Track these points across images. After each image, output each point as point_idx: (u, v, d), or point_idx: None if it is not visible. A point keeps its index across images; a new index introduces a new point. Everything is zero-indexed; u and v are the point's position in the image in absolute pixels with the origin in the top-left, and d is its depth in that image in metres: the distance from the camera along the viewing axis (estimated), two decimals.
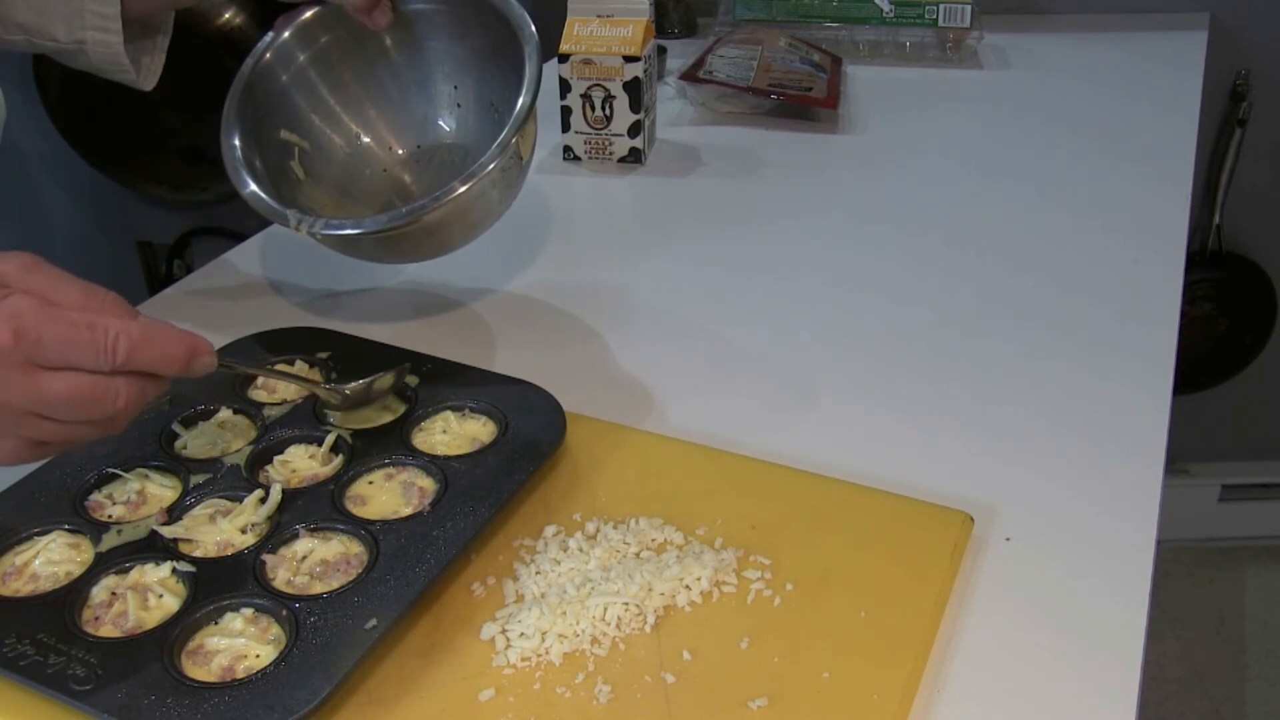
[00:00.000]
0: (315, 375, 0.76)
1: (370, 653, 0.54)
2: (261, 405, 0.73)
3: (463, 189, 0.75)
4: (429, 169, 0.91)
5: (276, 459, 0.68)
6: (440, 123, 0.91)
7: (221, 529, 0.61)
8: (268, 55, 0.87)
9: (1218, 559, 2.04)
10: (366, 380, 0.70)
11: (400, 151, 0.92)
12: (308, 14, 0.87)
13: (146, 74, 0.84)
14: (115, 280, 1.98)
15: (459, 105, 0.90)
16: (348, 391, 0.70)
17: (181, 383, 0.75)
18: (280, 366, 0.77)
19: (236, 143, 0.82)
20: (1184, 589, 1.99)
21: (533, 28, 0.82)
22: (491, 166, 0.76)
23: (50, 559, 0.60)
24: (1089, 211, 1.04)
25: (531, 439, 0.68)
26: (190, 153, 1.73)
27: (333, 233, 0.77)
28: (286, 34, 0.87)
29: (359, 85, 0.91)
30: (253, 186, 0.80)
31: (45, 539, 0.61)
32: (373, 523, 0.62)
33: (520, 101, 0.79)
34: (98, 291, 0.55)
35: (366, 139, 0.91)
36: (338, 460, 0.67)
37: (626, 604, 0.57)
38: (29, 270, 0.54)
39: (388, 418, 0.71)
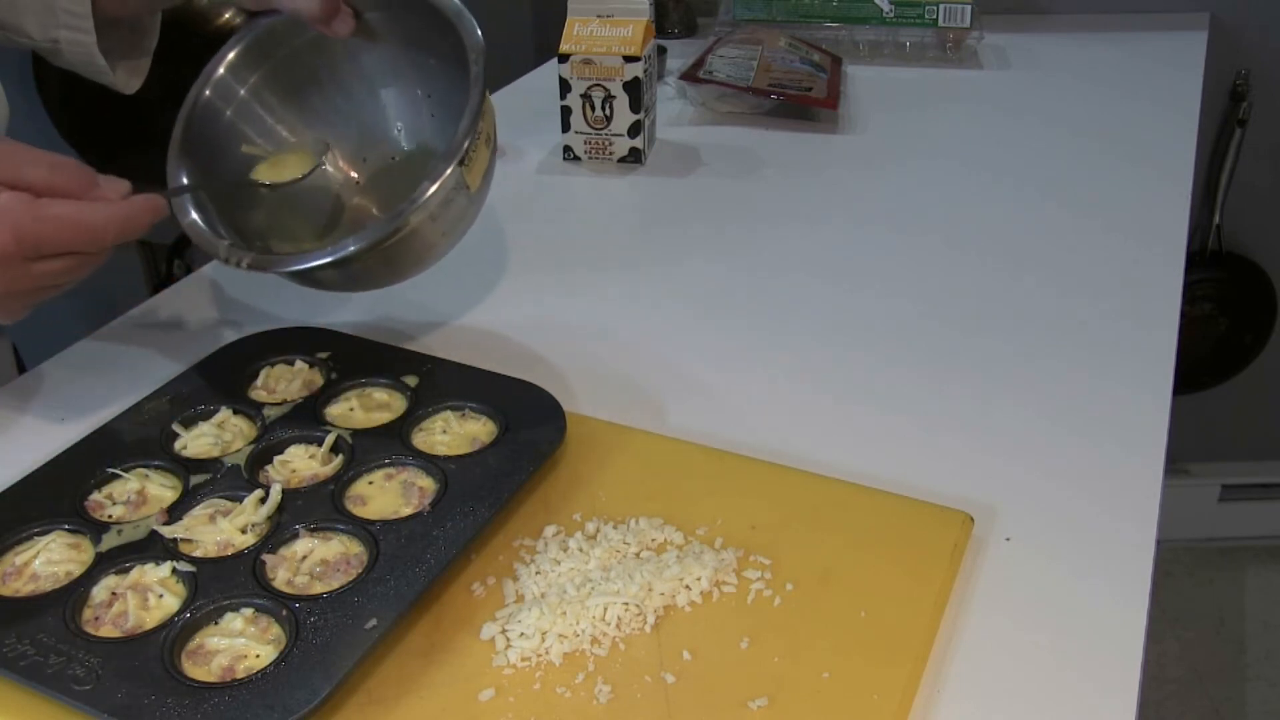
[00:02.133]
0: (316, 376, 0.76)
1: (370, 653, 0.54)
2: (261, 405, 0.73)
3: (394, 227, 0.71)
4: (399, 184, 0.85)
5: (276, 459, 0.68)
6: (404, 139, 0.87)
7: (221, 529, 0.61)
8: (207, 91, 0.83)
9: (1218, 559, 2.04)
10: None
11: (362, 174, 0.88)
12: (250, 36, 0.83)
13: (128, 76, 0.83)
14: (115, 280, 1.97)
15: (432, 115, 0.86)
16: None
17: (182, 383, 0.75)
18: (280, 364, 0.77)
19: (183, 178, 0.80)
20: (1184, 589, 1.99)
21: (481, 40, 0.77)
22: (426, 199, 0.71)
23: (50, 559, 0.60)
24: (1089, 211, 1.04)
25: (531, 439, 0.68)
26: None
27: (260, 269, 0.73)
28: (221, 70, 0.83)
29: (309, 108, 0.86)
30: (193, 215, 0.77)
31: (45, 539, 0.61)
32: (373, 523, 0.62)
33: (462, 122, 0.73)
34: (63, 164, 0.63)
35: (324, 164, 0.87)
36: (338, 460, 0.67)
37: (626, 604, 0.57)
38: (3, 155, 0.61)
39: (388, 417, 0.71)
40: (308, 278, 0.75)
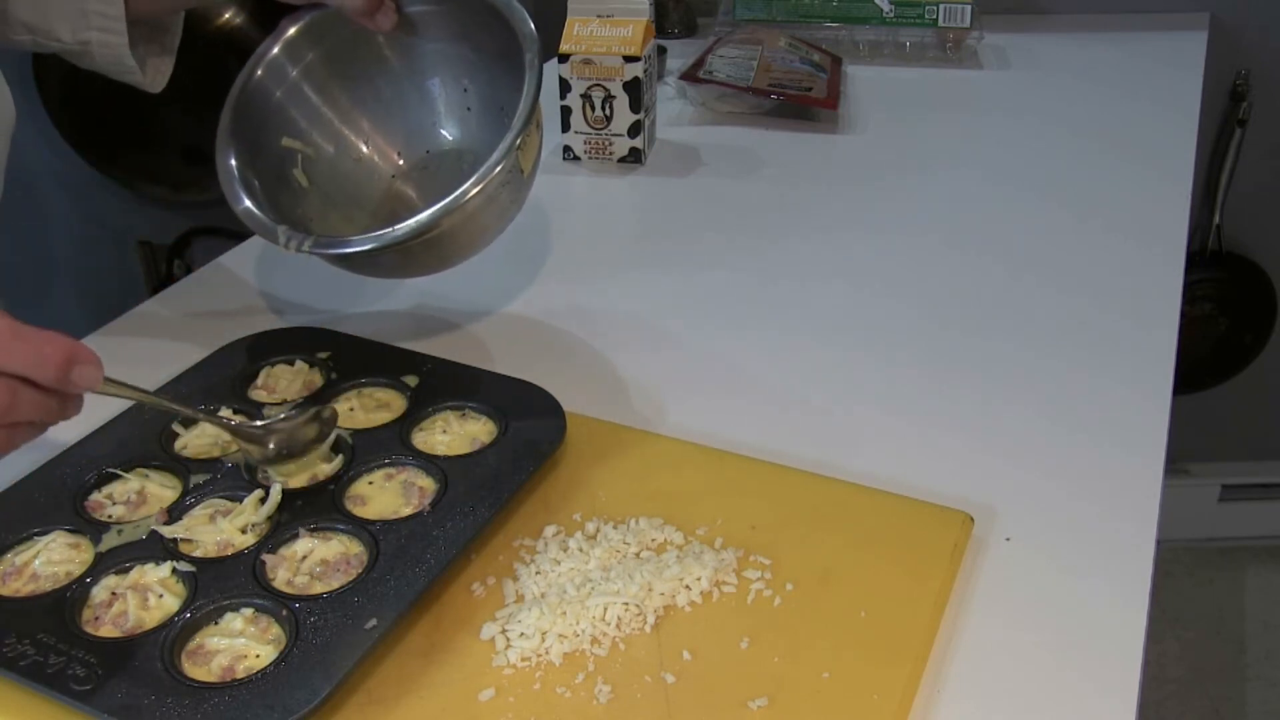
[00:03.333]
0: (316, 376, 0.76)
1: (370, 653, 0.54)
2: (261, 405, 0.73)
3: (454, 207, 0.73)
4: (436, 176, 0.89)
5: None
6: (443, 130, 0.89)
7: (221, 529, 0.61)
8: (259, 71, 0.84)
9: (1218, 559, 2.04)
10: (289, 422, 0.66)
11: (401, 162, 0.90)
12: (302, 21, 0.85)
13: (155, 75, 0.84)
14: (115, 280, 1.97)
15: (469, 109, 0.88)
16: (271, 446, 0.65)
17: (182, 383, 0.75)
18: (280, 364, 0.77)
19: (233, 162, 0.80)
20: (1184, 589, 1.99)
21: (533, 30, 0.80)
22: (485, 182, 0.73)
23: (50, 559, 0.60)
24: (1089, 211, 1.04)
25: (531, 439, 0.68)
26: (190, 153, 1.73)
27: (321, 251, 0.74)
28: (276, 49, 0.85)
29: (356, 96, 0.89)
30: (246, 203, 0.78)
31: (45, 539, 0.61)
32: (373, 523, 0.62)
33: (520, 108, 0.76)
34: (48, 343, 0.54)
35: (367, 150, 0.89)
36: (338, 460, 0.67)
37: (626, 604, 0.57)
38: None
39: (388, 417, 0.71)
40: (361, 262, 0.77)
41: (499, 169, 0.74)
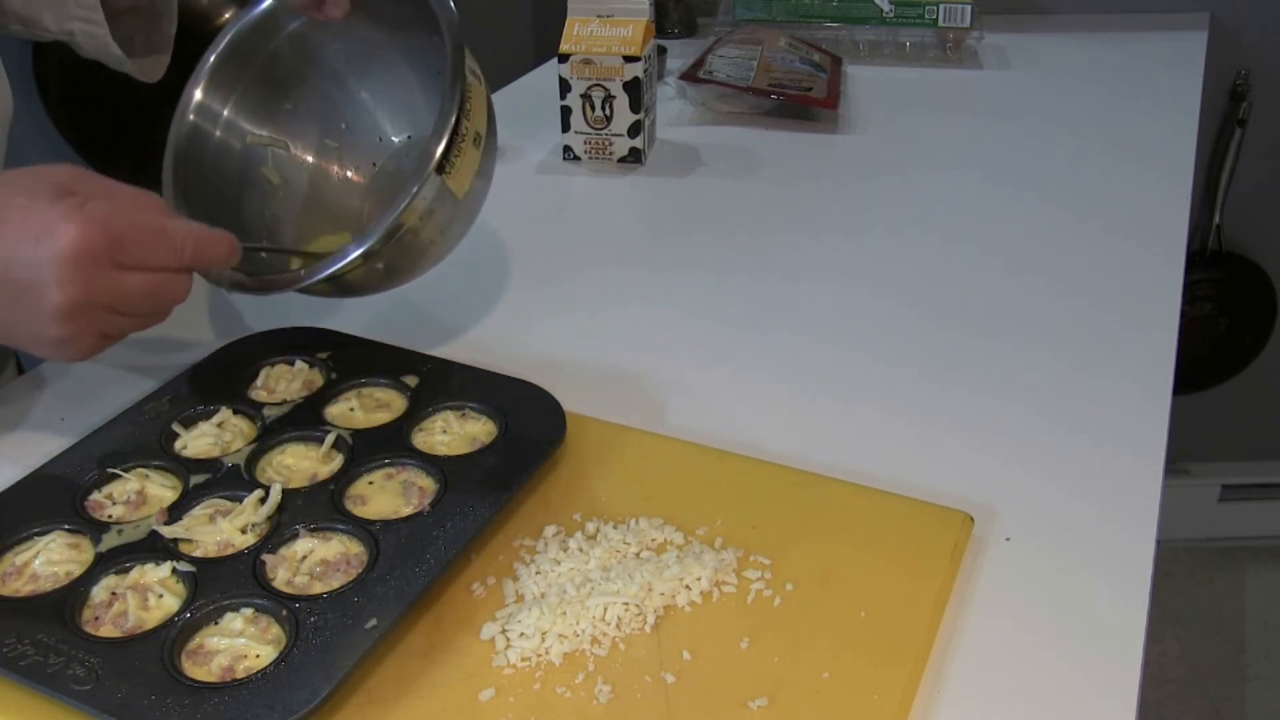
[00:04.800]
0: (316, 376, 0.76)
1: (370, 653, 0.54)
2: (261, 405, 0.73)
3: (367, 248, 0.70)
4: (395, 176, 0.87)
5: (276, 459, 0.68)
6: (396, 132, 0.87)
7: (221, 529, 0.61)
8: (190, 116, 0.81)
9: (1218, 559, 2.04)
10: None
11: (366, 159, 0.87)
12: (222, 46, 0.81)
13: (151, 66, 0.84)
14: None
15: (432, 99, 0.82)
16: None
17: (182, 383, 0.75)
18: (280, 364, 0.77)
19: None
20: (1184, 589, 1.99)
21: (456, 33, 0.74)
22: (403, 216, 0.70)
23: (50, 559, 0.60)
24: (1089, 211, 1.04)
25: (531, 439, 0.68)
26: None
27: (241, 293, 0.73)
28: (199, 92, 0.81)
29: (304, 108, 0.85)
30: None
31: (45, 539, 0.61)
32: (373, 523, 0.62)
33: (434, 133, 0.71)
34: (143, 193, 0.64)
35: (323, 158, 0.86)
36: (338, 460, 0.67)
37: (626, 604, 0.57)
38: (81, 177, 0.61)
39: (387, 417, 0.71)
40: (303, 290, 0.75)
41: (418, 200, 0.70)
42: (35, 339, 0.62)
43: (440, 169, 0.71)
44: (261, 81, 0.84)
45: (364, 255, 0.70)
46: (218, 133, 0.83)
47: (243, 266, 0.72)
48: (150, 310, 0.65)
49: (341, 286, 0.75)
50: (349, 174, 0.88)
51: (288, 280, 0.72)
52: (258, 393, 0.75)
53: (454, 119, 0.71)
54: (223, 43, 0.82)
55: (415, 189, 0.70)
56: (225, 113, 0.83)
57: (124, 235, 0.60)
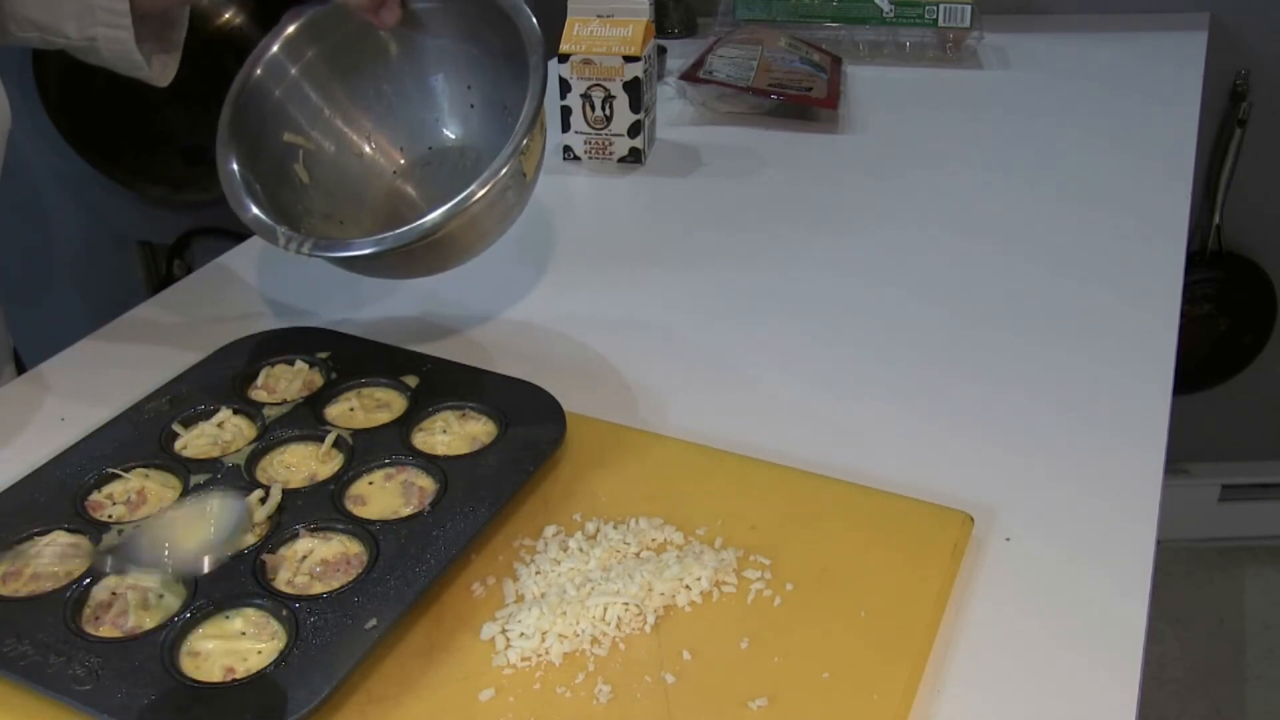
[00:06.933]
0: (316, 376, 0.76)
1: (370, 653, 0.54)
2: (261, 405, 0.73)
3: (459, 210, 0.72)
4: (437, 174, 0.89)
5: (276, 459, 0.68)
6: (445, 128, 0.89)
7: None
8: (258, 69, 0.84)
9: (1218, 559, 2.04)
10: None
11: (403, 160, 0.90)
12: (303, 18, 0.85)
13: (162, 70, 0.84)
14: (115, 280, 1.97)
15: (472, 106, 0.88)
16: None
17: (182, 383, 0.75)
18: (280, 364, 0.77)
19: (234, 166, 0.80)
20: (1184, 589, 1.99)
21: (539, 32, 0.79)
22: (490, 185, 0.73)
23: (50, 559, 0.60)
24: (1088, 211, 1.04)
25: (531, 439, 0.68)
26: (190, 153, 1.73)
27: (321, 254, 0.74)
28: (276, 46, 0.85)
29: (358, 92, 0.89)
30: (254, 211, 0.77)
31: (45, 539, 0.61)
32: (373, 523, 0.62)
33: (524, 111, 0.76)
34: None
35: (369, 148, 0.89)
36: (338, 460, 0.67)
37: (626, 604, 0.57)
38: None
39: (387, 417, 0.71)
40: (363, 264, 0.78)
41: (504, 172, 0.73)
42: None
43: (520, 149, 0.75)
44: (329, 57, 0.87)
45: (442, 220, 0.72)
46: (278, 92, 0.85)
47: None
48: None
49: (403, 261, 0.77)
50: (392, 159, 0.90)
51: (353, 245, 0.74)
52: (258, 393, 0.75)
53: (539, 102, 0.76)
54: (309, 11, 0.85)
55: (506, 158, 0.73)
56: (293, 72, 0.86)
57: None
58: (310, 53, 0.86)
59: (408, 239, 0.73)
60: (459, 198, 0.73)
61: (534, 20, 0.80)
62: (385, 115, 0.90)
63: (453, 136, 0.89)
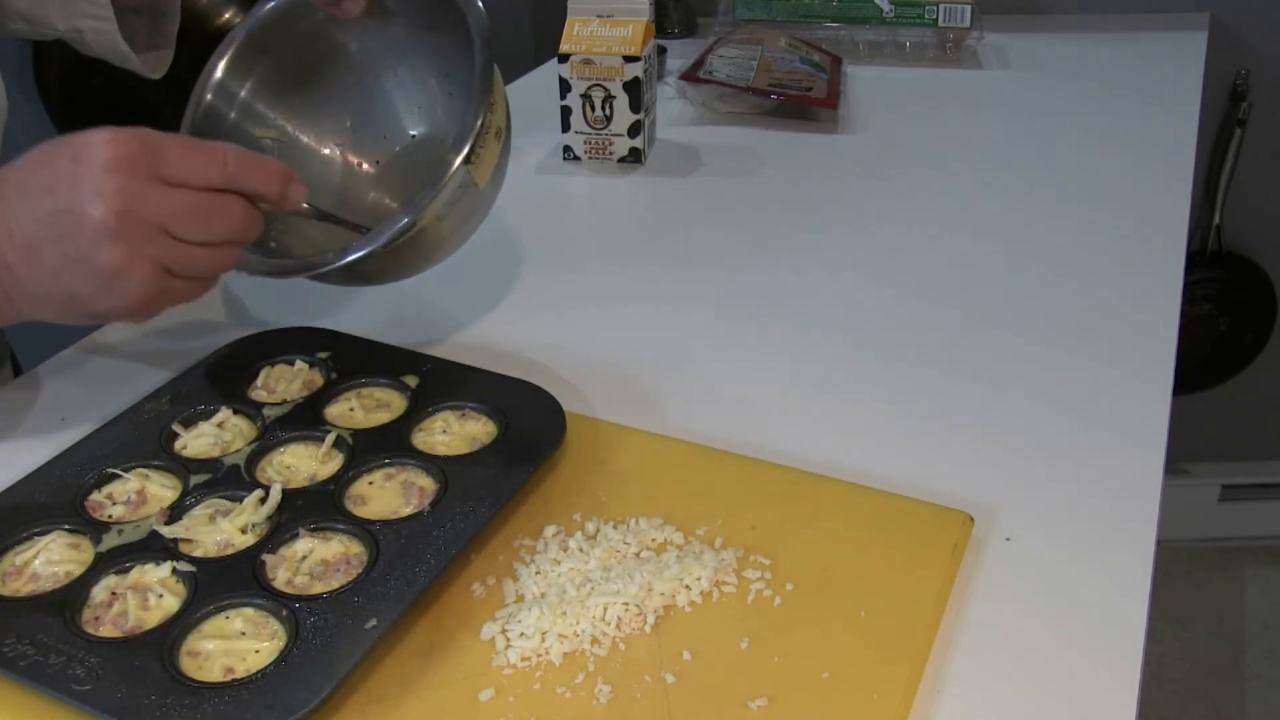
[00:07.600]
0: (316, 376, 0.76)
1: (370, 653, 0.54)
2: (261, 405, 0.73)
3: (391, 235, 0.70)
4: (414, 164, 0.87)
5: (276, 459, 0.68)
6: (416, 116, 0.87)
7: (221, 529, 0.61)
8: (207, 96, 0.81)
9: (1217, 559, 2.04)
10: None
11: (379, 158, 0.88)
12: (244, 34, 0.82)
13: (155, 62, 0.84)
14: None
15: (451, 94, 0.85)
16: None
17: (182, 383, 0.75)
18: (280, 364, 0.77)
19: None
20: (1184, 589, 1.99)
21: (485, 28, 0.75)
22: (427, 207, 0.71)
23: (50, 559, 0.60)
24: (1089, 211, 1.04)
25: (531, 439, 0.68)
26: None
27: (258, 275, 0.73)
28: (219, 72, 0.82)
29: (319, 97, 0.86)
30: None
31: (45, 539, 0.61)
32: (373, 523, 0.62)
33: (465, 122, 0.73)
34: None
35: (338, 150, 0.87)
36: (338, 460, 0.67)
37: (626, 604, 0.57)
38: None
39: (387, 417, 0.71)
40: (316, 278, 0.75)
41: (445, 187, 0.71)
42: (90, 277, 0.59)
43: (467, 159, 0.72)
44: (280, 69, 0.84)
45: (388, 241, 0.71)
46: (232, 115, 0.83)
47: (261, 250, 0.72)
48: (205, 235, 0.61)
49: (357, 275, 0.75)
50: (359, 166, 0.88)
51: (306, 265, 0.72)
52: (258, 393, 0.75)
53: (484, 111, 0.73)
54: (246, 27, 0.82)
55: (446, 175, 0.71)
56: (242, 94, 0.83)
57: (162, 147, 0.59)
58: (260, 67, 0.83)
59: (350, 258, 0.71)
60: (395, 218, 0.71)
61: (479, 4, 0.77)
62: (352, 115, 0.87)
63: (427, 130, 0.87)
